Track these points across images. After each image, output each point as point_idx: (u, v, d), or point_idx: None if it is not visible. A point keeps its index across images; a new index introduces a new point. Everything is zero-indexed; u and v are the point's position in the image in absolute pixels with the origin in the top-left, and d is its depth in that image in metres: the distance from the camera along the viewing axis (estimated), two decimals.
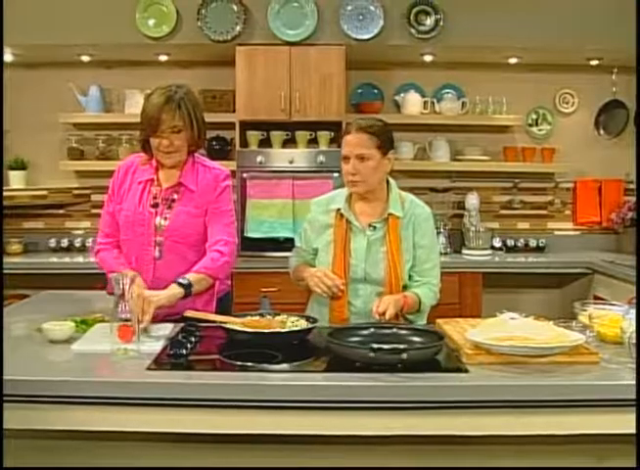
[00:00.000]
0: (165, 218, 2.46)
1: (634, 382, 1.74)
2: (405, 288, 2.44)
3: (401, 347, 1.83)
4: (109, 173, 2.63)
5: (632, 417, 1.70)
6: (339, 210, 2.48)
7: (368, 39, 4.17)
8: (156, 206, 2.47)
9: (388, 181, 2.54)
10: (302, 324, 2.19)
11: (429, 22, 4.18)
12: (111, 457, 1.86)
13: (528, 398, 1.74)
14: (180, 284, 2.29)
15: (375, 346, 1.80)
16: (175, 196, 2.48)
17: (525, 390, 1.75)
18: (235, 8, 4.15)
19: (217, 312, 2.34)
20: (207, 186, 2.49)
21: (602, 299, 3.66)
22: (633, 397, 1.71)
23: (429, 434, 1.76)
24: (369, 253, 2.45)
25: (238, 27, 4.14)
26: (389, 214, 2.46)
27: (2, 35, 3.81)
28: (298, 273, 2.53)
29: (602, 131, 4.82)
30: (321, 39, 4.19)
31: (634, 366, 1.85)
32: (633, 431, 1.69)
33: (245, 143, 4.30)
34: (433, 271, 2.52)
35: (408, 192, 2.63)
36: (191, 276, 2.34)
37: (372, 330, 2.11)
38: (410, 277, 2.48)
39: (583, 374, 1.82)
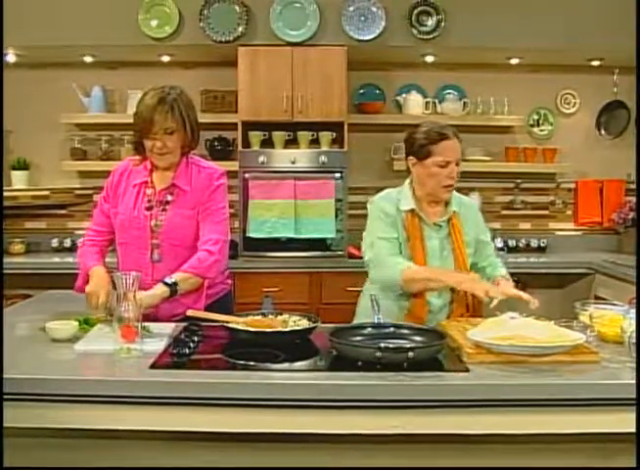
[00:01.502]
0: (161, 220, 2.46)
1: (634, 381, 1.75)
2: None
3: (407, 345, 1.85)
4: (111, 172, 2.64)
5: (633, 416, 1.70)
6: (412, 210, 2.51)
7: (370, 40, 4.18)
8: (150, 208, 2.47)
9: None
10: (304, 324, 2.19)
11: (430, 22, 4.19)
12: (113, 456, 1.87)
13: (529, 397, 1.74)
14: (165, 283, 2.30)
15: (382, 345, 1.82)
16: (169, 198, 2.48)
17: (526, 389, 1.75)
18: (237, 9, 4.16)
19: (218, 312, 2.34)
20: (201, 186, 2.49)
21: (603, 299, 3.66)
22: (634, 396, 1.72)
23: (430, 432, 1.77)
24: (441, 251, 2.51)
25: (240, 28, 4.16)
26: (454, 212, 2.54)
27: (2, 35, 3.83)
28: (429, 274, 2.43)
29: (603, 132, 4.83)
30: (323, 40, 4.20)
31: (634, 366, 1.86)
32: (634, 430, 1.70)
33: (247, 143, 4.31)
34: (493, 252, 2.69)
35: None
36: (177, 276, 2.34)
37: (372, 329, 2.12)
38: (474, 265, 2.59)
39: (584, 373, 1.83)
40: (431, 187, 2.49)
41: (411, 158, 2.53)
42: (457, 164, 2.47)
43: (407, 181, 2.61)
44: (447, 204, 2.55)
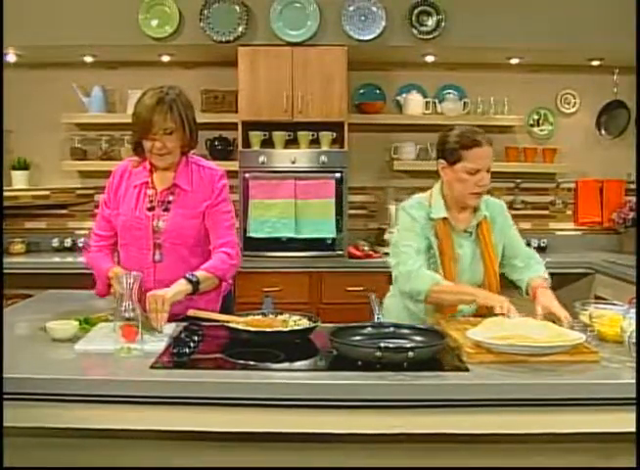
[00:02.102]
0: (163, 221, 2.46)
1: (634, 381, 1.75)
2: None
3: (407, 345, 1.85)
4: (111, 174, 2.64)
5: (632, 416, 1.71)
6: (445, 218, 2.47)
7: (370, 40, 4.19)
8: (152, 209, 2.47)
9: None
10: (305, 323, 2.20)
11: (430, 22, 4.20)
12: (113, 455, 1.87)
13: (529, 396, 1.75)
14: (189, 280, 2.29)
15: (382, 345, 1.82)
16: (171, 198, 2.48)
17: (526, 389, 1.76)
18: (237, 9, 4.17)
19: (220, 311, 2.35)
20: (203, 186, 2.49)
21: (603, 299, 3.67)
22: (633, 395, 1.72)
23: (430, 432, 1.77)
24: (472, 258, 2.50)
25: (240, 28, 4.16)
26: (484, 217, 2.51)
27: (2, 35, 3.83)
28: (458, 293, 2.38)
29: (603, 132, 4.83)
30: (323, 40, 4.20)
31: (634, 365, 1.86)
32: (633, 430, 1.71)
33: (247, 143, 4.31)
34: (526, 250, 2.64)
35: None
36: (199, 274, 2.33)
37: (372, 329, 2.12)
38: (512, 267, 2.57)
39: (583, 373, 1.83)
40: (458, 192, 2.45)
41: (441, 161, 2.49)
42: (488, 171, 2.43)
43: (437, 186, 2.57)
44: (476, 209, 2.51)
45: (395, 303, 2.58)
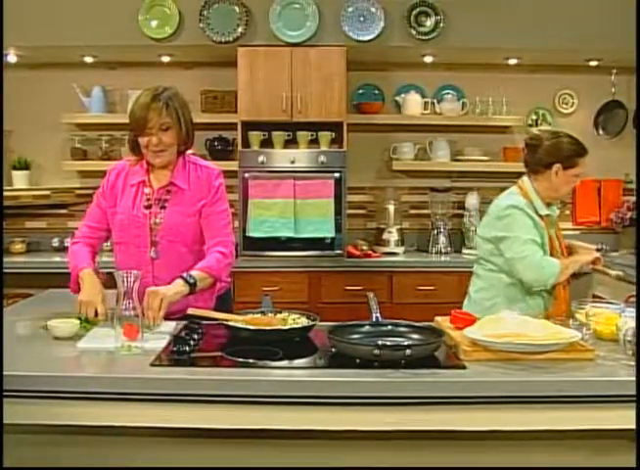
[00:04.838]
0: (160, 219, 2.48)
1: (629, 378, 1.77)
2: None
3: (405, 343, 1.87)
4: (107, 172, 2.65)
5: (628, 413, 1.73)
6: (548, 215, 2.75)
7: (369, 40, 4.20)
8: (149, 207, 2.49)
9: None
10: (303, 322, 2.22)
11: (429, 23, 4.21)
12: (115, 452, 1.89)
13: (525, 394, 1.77)
14: (186, 281, 2.30)
15: (380, 343, 1.84)
16: (168, 196, 2.50)
17: (522, 386, 1.78)
18: (237, 9, 4.18)
19: (218, 310, 2.36)
20: (200, 184, 2.51)
21: (601, 298, 3.68)
22: (628, 393, 1.74)
23: (427, 429, 1.79)
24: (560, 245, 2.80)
25: (240, 29, 4.17)
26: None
27: (2, 35, 3.85)
28: (566, 268, 2.70)
29: (601, 131, 4.84)
30: (322, 40, 4.21)
31: (630, 363, 1.88)
32: (629, 426, 1.73)
33: (246, 143, 4.33)
34: None
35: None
36: (196, 274, 2.34)
37: (370, 327, 2.14)
38: None
39: (579, 371, 1.85)
40: (564, 192, 2.79)
41: (557, 165, 2.71)
42: None
43: (528, 186, 2.81)
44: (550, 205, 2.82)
45: (486, 296, 2.78)
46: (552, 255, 2.70)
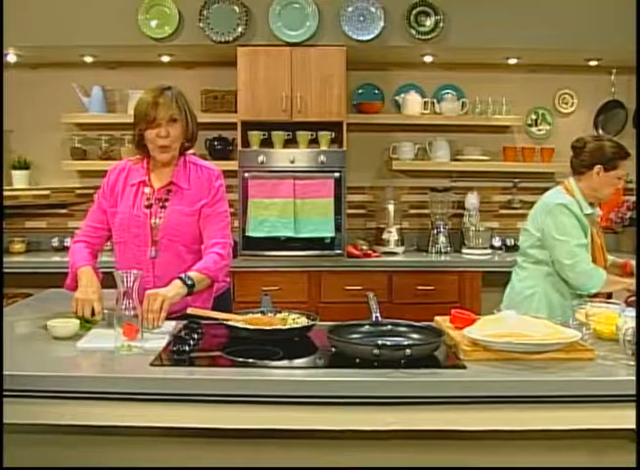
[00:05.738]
0: (160, 218, 2.48)
1: (629, 378, 1.77)
2: None
3: (405, 343, 1.87)
4: (108, 172, 2.65)
5: (627, 413, 1.73)
6: (591, 214, 2.90)
7: (369, 40, 4.20)
8: (149, 206, 2.49)
9: None
10: (303, 321, 2.22)
11: (429, 23, 4.21)
12: (114, 452, 1.88)
13: (525, 393, 1.77)
14: (184, 282, 2.30)
15: (380, 342, 1.84)
16: (168, 196, 2.50)
17: (522, 386, 1.77)
18: (236, 9, 4.18)
19: (217, 310, 2.36)
20: (201, 184, 2.52)
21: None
22: (628, 393, 1.74)
23: (427, 429, 1.79)
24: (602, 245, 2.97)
25: (239, 29, 4.18)
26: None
27: (2, 35, 3.85)
28: (609, 284, 2.82)
29: (601, 131, 4.83)
30: (322, 40, 4.21)
31: (630, 363, 1.88)
32: (629, 426, 1.72)
33: (246, 143, 4.33)
34: None
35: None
36: (194, 275, 2.34)
37: (370, 327, 2.14)
38: None
39: (579, 370, 1.85)
40: (608, 193, 2.92)
41: (599, 166, 2.86)
42: None
43: (574, 186, 2.91)
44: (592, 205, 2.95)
45: (528, 285, 2.96)
46: (595, 254, 2.86)
